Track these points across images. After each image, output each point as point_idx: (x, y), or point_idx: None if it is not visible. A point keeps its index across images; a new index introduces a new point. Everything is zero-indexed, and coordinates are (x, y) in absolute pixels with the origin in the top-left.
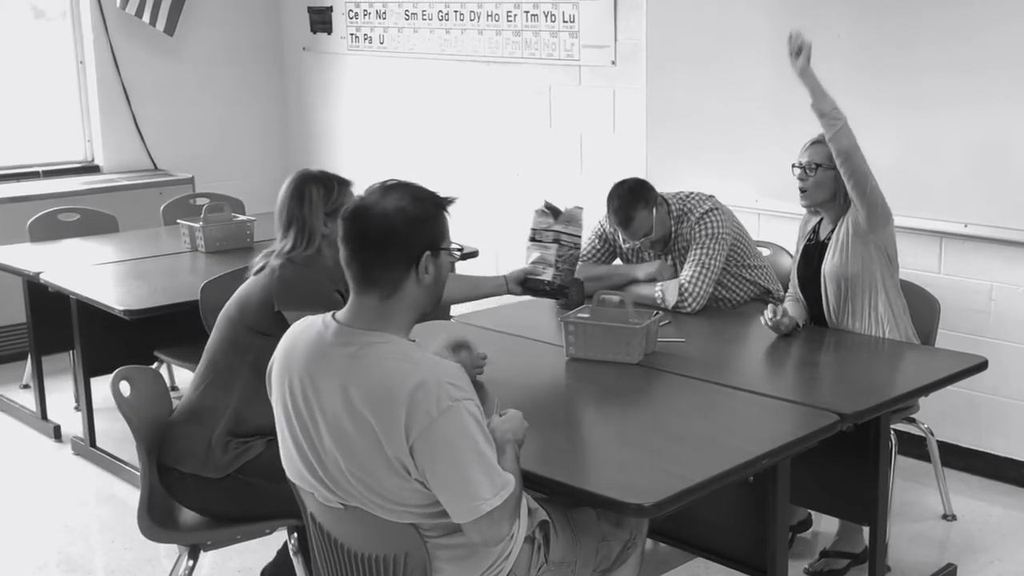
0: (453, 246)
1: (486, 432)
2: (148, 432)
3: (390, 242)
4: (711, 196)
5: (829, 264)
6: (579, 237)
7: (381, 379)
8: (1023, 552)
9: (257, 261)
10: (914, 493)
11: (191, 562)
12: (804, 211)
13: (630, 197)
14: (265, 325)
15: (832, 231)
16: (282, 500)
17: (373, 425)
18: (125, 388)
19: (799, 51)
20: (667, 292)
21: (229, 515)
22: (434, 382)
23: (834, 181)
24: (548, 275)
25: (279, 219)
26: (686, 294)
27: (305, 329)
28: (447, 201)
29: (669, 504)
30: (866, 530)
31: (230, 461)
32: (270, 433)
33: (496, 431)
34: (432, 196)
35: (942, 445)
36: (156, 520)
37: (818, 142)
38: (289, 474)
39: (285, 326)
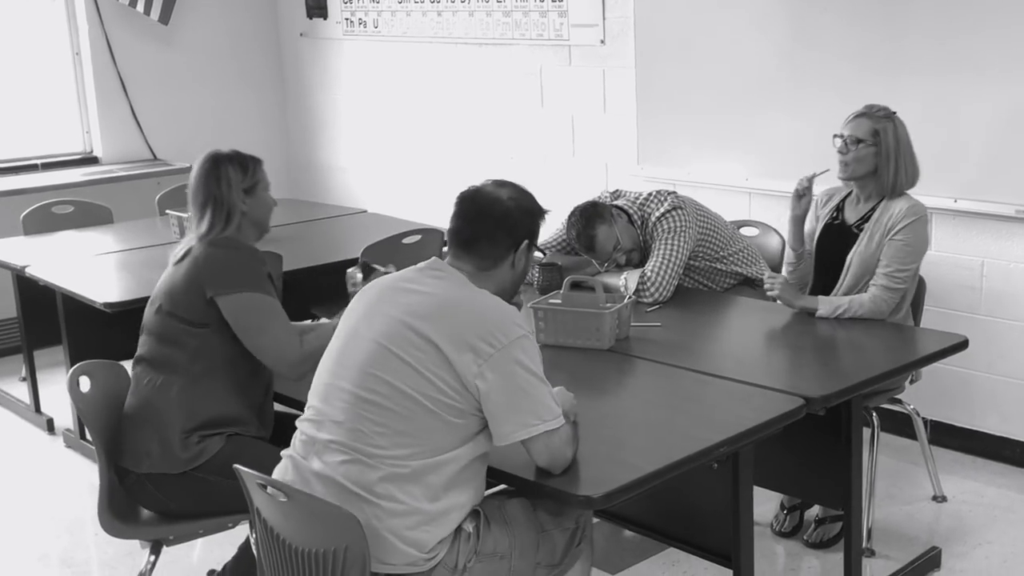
0: (538, 251)
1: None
2: (105, 429)
3: (503, 222)
4: (672, 193)
5: (859, 253)
6: None
7: (459, 304)
8: (1012, 534)
9: (179, 250)
10: (906, 474)
11: (153, 557)
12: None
13: (584, 220)
14: (198, 315)
15: (863, 218)
16: (239, 497)
17: (439, 344)
18: (85, 383)
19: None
20: (630, 280)
21: (189, 513)
22: (507, 315)
23: (875, 158)
24: None
25: (193, 202)
26: (648, 283)
27: (388, 276)
28: (546, 210)
29: (618, 495)
30: None
31: (191, 457)
32: (224, 424)
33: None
34: (536, 199)
35: (936, 425)
36: (117, 516)
37: (861, 115)
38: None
39: (220, 314)
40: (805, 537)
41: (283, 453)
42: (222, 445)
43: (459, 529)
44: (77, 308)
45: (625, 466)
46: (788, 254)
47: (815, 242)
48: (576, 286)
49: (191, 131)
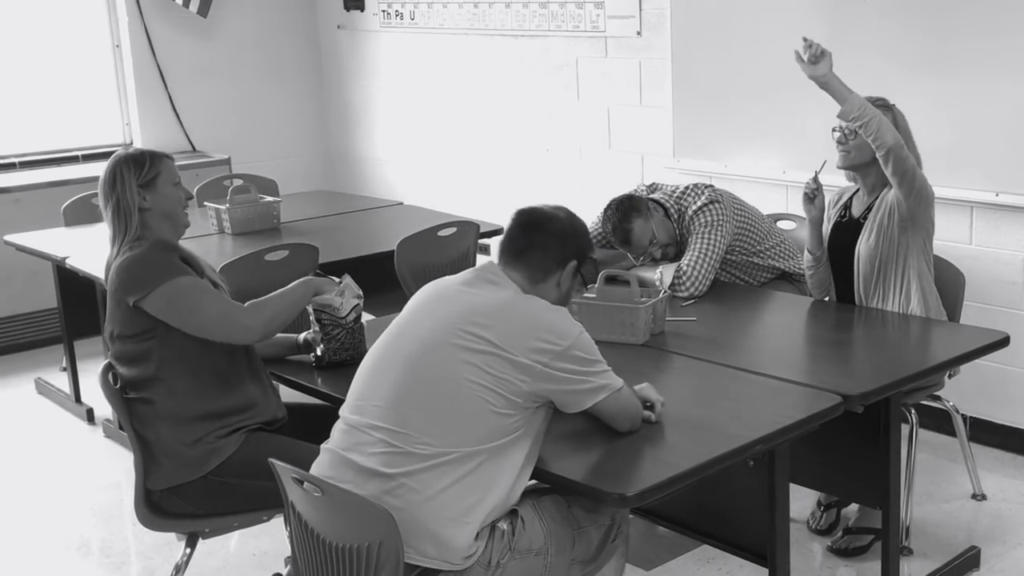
0: (587, 276)
1: None
2: None
3: (557, 236)
4: (709, 186)
5: (864, 245)
6: (342, 317)
7: (517, 305)
8: None
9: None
10: (944, 471)
11: (188, 550)
12: (837, 185)
13: (620, 214)
14: (138, 325)
15: (868, 210)
16: (266, 496)
17: (499, 343)
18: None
19: (818, 58)
20: (665, 274)
21: (217, 513)
22: (562, 314)
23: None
24: (318, 351)
25: (104, 212)
26: (684, 277)
27: (443, 279)
28: (594, 245)
29: (652, 493)
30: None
31: (203, 460)
32: (224, 416)
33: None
34: (588, 228)
35: (976, 422)
36: (153, 509)
37: None
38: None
39: (151, 318)
40: (830, 543)
41: (322, 447)
42: (238, 445)
43: (494, 527)
44: None
45: (660, 463)
46: (807, 258)
47: (827, 243)
48: (611, 280)
49: (229, 123)
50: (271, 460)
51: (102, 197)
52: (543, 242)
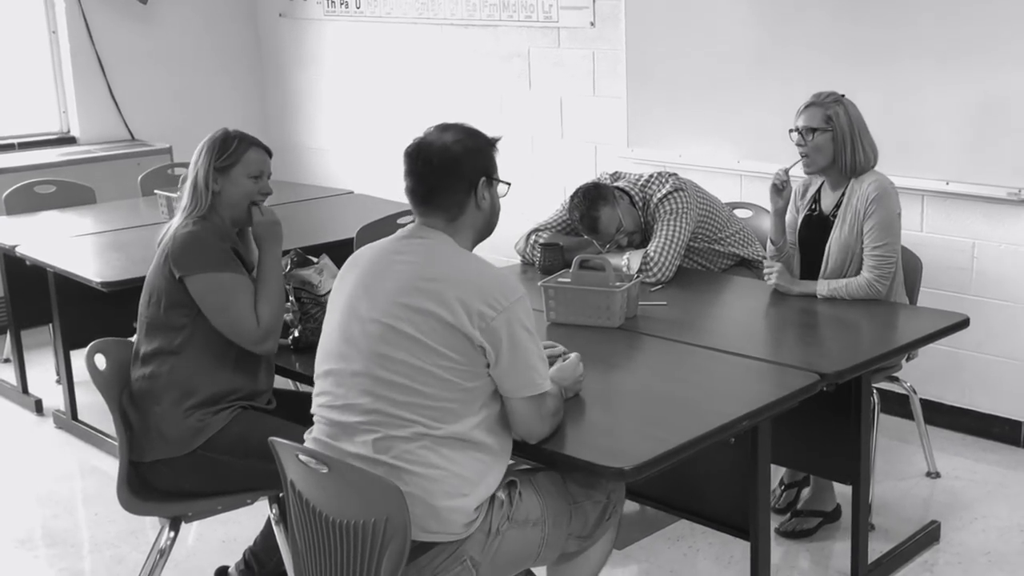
0: (503, 178)
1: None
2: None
3: (452, 169)
4: (673, 175)
5: (836, 241)
6: (322, 295)
7: (455, 271)
8: (1006, 508)
9: (162, 233)
10: (898, 452)
11: (172, 534)
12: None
13: (588, 202)
14: (174, 295)
15: (837, 204)
16: (255, 476)
17: (441, 314)
18: (100, 361)
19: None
20: (632, 261)
21: (204, 492)
22: (504, 277)
23: (832, 144)
24: (296, 332)
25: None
26: (651, 263)
27: (371, 245)
28: (496, 139)
29: (648, 467)
30: (848, 489)
31: (193, 434)
32: (222, 398)
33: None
34: (483, 133)
35: (927, 403)
36: (135, 492)
37: (811, 104)
38: (320, 363)
39: (187, 294)
40: (778, 527)
41: (307, 438)
42: (228, 422)
43: (493, 497)
44: (66, 288)
45: (653, 440)
46: (768, 248)
47: (796, 234)
48: (585, 265)
49: (170, 112)
50: (271, 439)
51: (190, 166)
52: (443, 182)
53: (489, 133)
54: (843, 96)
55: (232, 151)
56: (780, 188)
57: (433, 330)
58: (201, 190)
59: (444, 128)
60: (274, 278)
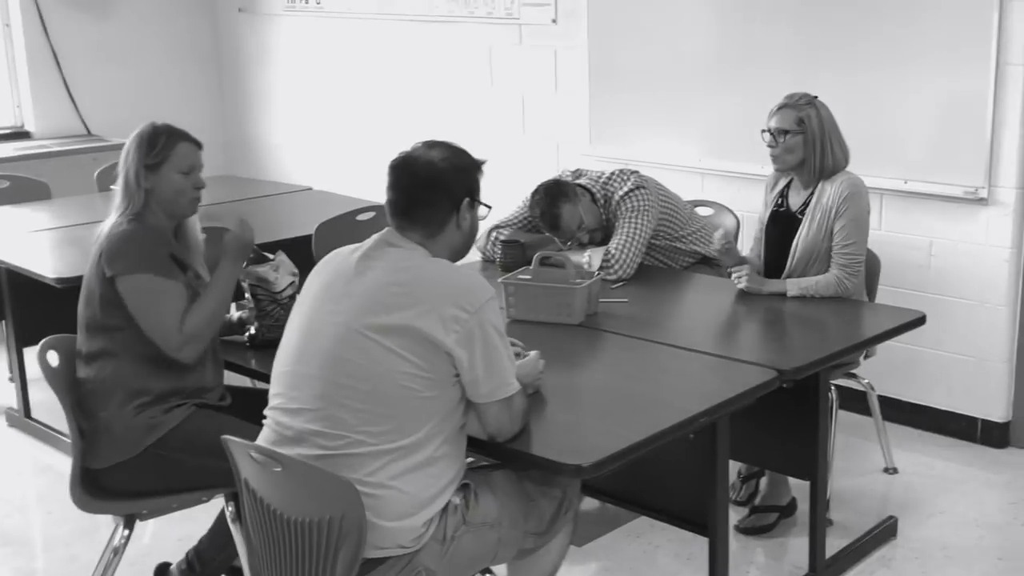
0: (485, 201)
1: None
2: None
3: (438, 185)
4: (634, 172)
5: (803, 240)
6: (278, 292)
7: (424, 277)
8: (963, 503)
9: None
10: (856, 448)
11: (127, 532)
12: (763, 173)
13: (549, 199)
14: (109, 294)
15: (805, 203)
16: (208, 473)
17: (411, 321)
18: (53, 358)
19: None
20: (594, 258)
21: (158, 491)
22: (473, 279)
23: (803, 146)
24: (252, 329)
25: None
26: (612, 260)
27: (341, 250)
28: (482, 161)
29: (607, 464)
30: (804, 483)
31: (143, 434)
32: (170, 396)
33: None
34: (470, 154)
35: (885, 400)
36: (89, 491)
37: (784, 106)
38: (279, 364)
39: (118, 296)
40: (737, 523)
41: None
42: (180, 421)
43: (447, 503)
44: (20, 284)
45: (611, 436)
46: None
47: (763, 229)
48: (545, 262)
49: (126, 106)
50: (224, 437)
51: (119, 164)
52: (427, 198)
53: (476, 155)
54: (816, 98)
55: (161, 147)
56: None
57: (399, 335)
58: (133, 189)
59: (432, 145)
60: (219, 291)
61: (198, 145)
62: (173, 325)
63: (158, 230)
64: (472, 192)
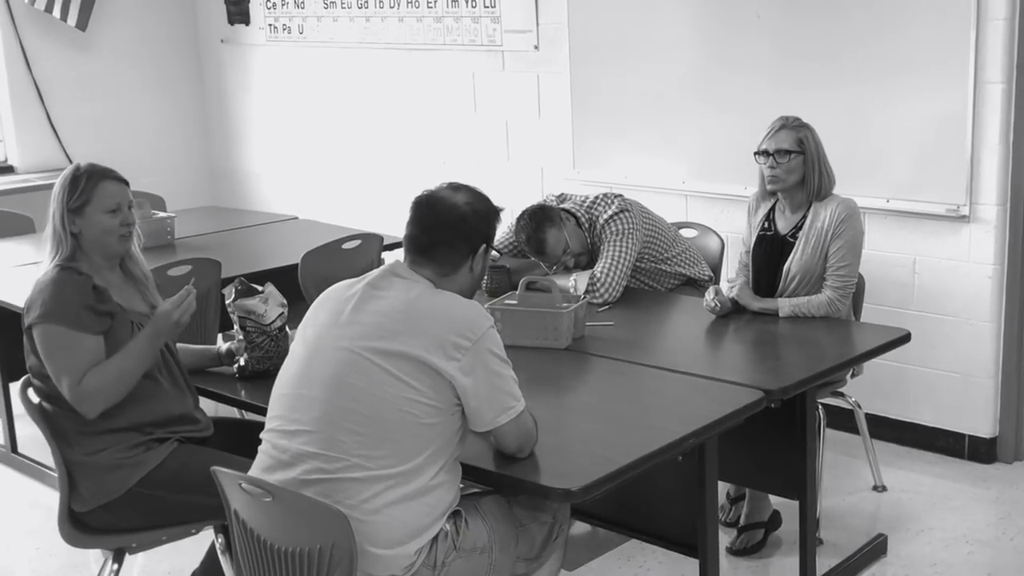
0: (493, 251)
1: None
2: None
3: (460, 229)
4: (618, 196)
5: (796, 264)
6: (267, 324)
7: (427, 307)
8: (952, 520)
9: None
10: (845, 466)
11: (116, 566)
12: (746, 194)
13: (535, 224)
14: (31, 343)
15: (796, 226)
16: (190, 510)
17: (413, 351)
18: (34, 395)
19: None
20: (579, 282)
21: (145, 527)
22: (474, 308)
23: (803, 166)
24: (241, 360)
25: None
26: (598, 284)
27: (347, 281)
28: (501, 208)
29: (596, 487)
30: (791, 501)
31: (124, 476)
32: (145, 431)
33: None
34: (491, 200)
35: (872, 418)
36: (77, 526)
37: (781, 128)
38: (280, 387)
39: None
40: (728, 545)
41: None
42: (163, 458)
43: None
44: (5, 318)
45: (600, 459)
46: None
47: (751, 253)
48: (531, 287)
49: (110, 139)
50: (213, 468)
51: (49, 208)
52: (448, 239)
53: (495, 201)
54: (807, 124)
55: (82, 189)
56: (717, 304)
57: (403, 360)
58: (60, 234)
59: (456, 187)
60: (129, 357)
61: (124, 182)
62: (73, 380)
63: (79, 281)
64: (489, 239)
